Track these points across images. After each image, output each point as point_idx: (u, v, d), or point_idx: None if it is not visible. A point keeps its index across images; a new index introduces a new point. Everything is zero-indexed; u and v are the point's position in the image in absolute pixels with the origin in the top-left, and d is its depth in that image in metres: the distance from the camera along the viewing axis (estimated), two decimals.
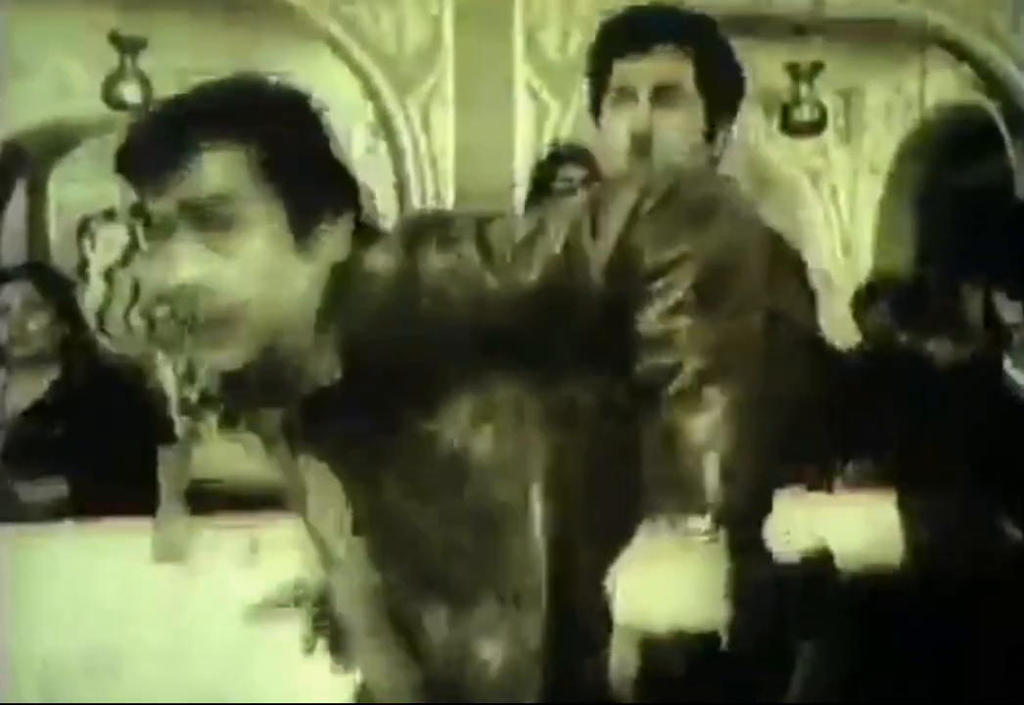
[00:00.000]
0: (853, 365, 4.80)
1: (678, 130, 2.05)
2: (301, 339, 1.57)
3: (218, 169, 1.55)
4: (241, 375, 1.62)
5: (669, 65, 2.04)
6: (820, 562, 2.27)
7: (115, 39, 7.07)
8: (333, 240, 1.59)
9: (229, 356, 1.57)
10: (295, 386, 1.60)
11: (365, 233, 1.61)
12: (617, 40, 2.08)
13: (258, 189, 1.56)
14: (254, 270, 1.55)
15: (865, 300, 5.68)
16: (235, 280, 1.55)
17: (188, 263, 1.55)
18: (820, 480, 3.87)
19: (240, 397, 1.69)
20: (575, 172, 3.60)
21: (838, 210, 9.61)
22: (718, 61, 2.09)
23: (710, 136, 2.08)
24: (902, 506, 3.01)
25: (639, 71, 2.05)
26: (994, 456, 2.69)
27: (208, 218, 1.55)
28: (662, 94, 2.04)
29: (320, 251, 1.58)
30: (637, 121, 2.04)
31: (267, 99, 1.60)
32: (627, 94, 2.07)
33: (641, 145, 2.03)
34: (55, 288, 3.75)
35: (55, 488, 3.51)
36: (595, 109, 2.15)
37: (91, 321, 9.15)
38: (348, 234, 1.61)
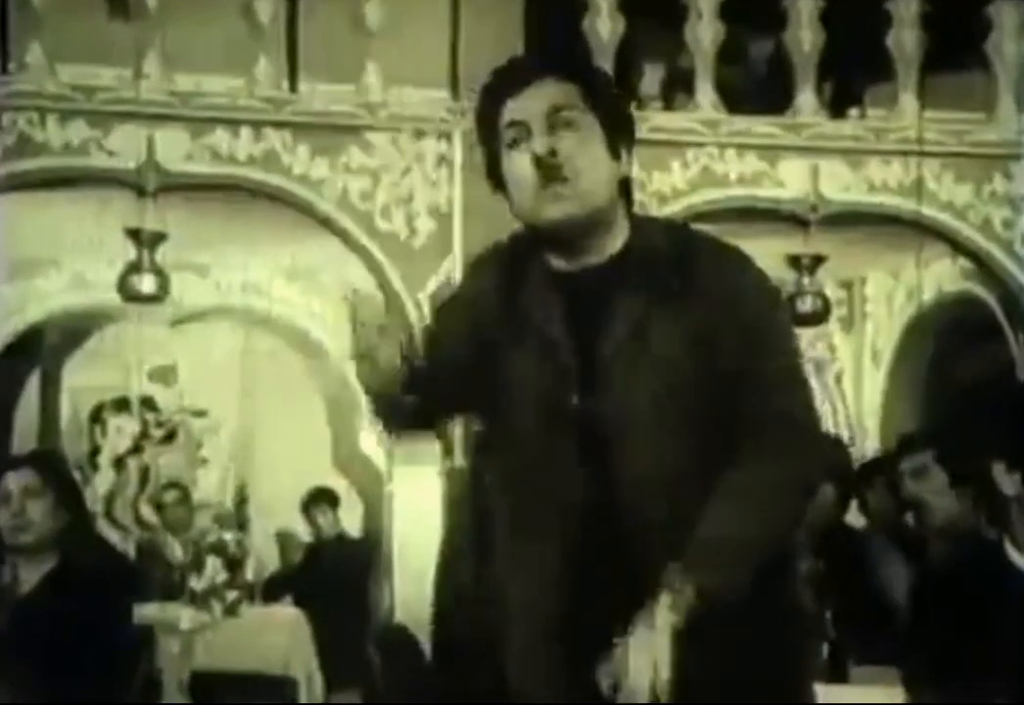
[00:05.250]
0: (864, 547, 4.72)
1: (582, 145, 2.01)
2: None
3: None
4: None
5: (556, 89, 2.03)
6: None
7: (133, 234, 7.19)
8: None
9: None
10: None
11: None
12: (504, 82, 2.06)
13: None
14: None
15: (870, 477, 5.55)
16: None
17: None
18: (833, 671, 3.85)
19: None
20: None
21: (843, 398, 9.67)
22: (603, 84, 2.09)
23: (614, 154, 2.05)
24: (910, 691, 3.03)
25: (529, 101, 2.02)
26: (999, 645, 2.69)
27: None
28: (556, 117, 2.02)
29: None
30: (537, 146, 2.00)
31: None
32: (521, 130, 2.03)
33: (548, 169, 1.99)
34: (56, 475, 3.74)
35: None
36: (494, 169, 2.08)
37: (100, 508, 9.16)
38: None
